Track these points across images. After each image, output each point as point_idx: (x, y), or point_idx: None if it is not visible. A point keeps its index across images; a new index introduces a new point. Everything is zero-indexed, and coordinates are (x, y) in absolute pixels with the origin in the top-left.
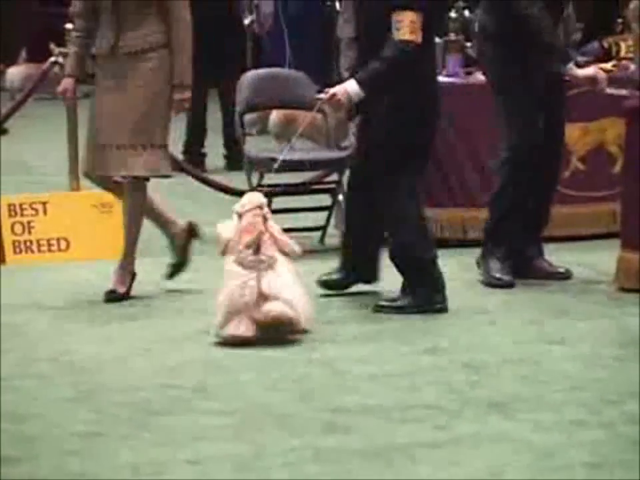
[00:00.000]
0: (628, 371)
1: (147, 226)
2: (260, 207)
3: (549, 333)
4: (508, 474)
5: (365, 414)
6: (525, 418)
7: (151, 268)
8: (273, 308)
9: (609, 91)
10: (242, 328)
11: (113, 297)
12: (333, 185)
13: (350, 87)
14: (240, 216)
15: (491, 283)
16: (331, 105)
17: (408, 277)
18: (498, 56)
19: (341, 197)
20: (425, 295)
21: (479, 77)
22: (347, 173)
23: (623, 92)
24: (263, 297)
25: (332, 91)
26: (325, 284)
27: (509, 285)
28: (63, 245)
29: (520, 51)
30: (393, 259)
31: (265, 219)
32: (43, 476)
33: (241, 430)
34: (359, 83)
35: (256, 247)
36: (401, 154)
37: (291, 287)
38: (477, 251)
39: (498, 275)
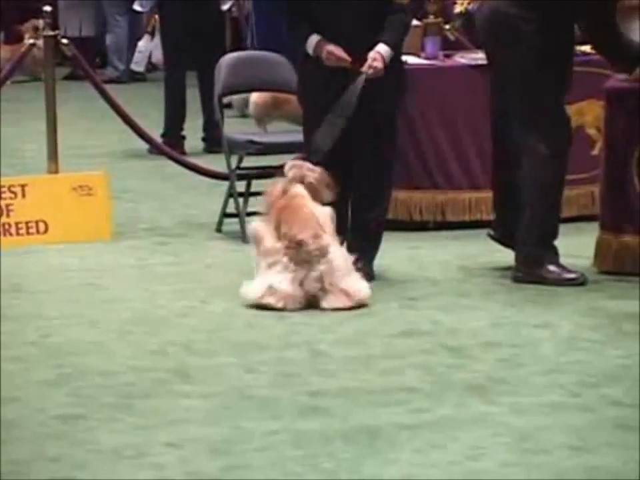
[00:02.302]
0: (607, 353)
1: (123, 209)
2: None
3: (529, 316)
4: (488, 456)
5: (345, 397)
6: (504, 401)
7: (128, 251)
8: (333, 303)
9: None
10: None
11: None
12: None
13: (383, 50)
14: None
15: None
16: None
17: None
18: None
19: None
20: None
21: (458, 59)
22: None
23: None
24: (319, 292)
25: (371, 56)
26: None
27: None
28: (42, 227)
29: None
30: None
31: (302, 181)
32: (23, 459)
33: (221, 413)
34: (391, 46)
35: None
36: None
37: (345, 270)
38: (456, 234)
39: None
